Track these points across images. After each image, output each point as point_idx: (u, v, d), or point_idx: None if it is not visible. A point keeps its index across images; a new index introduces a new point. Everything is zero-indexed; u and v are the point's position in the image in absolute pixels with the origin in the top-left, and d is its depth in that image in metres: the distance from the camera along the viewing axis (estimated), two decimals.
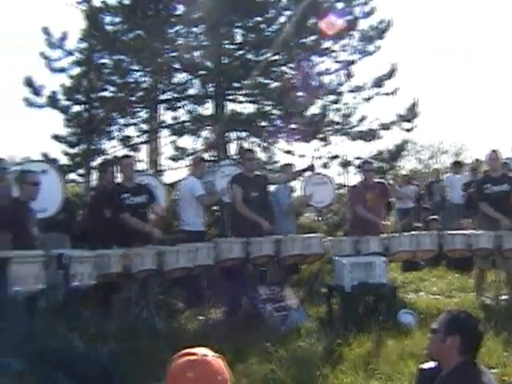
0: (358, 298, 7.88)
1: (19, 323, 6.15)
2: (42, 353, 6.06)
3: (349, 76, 15.58)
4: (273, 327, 7.72)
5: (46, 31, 15.51)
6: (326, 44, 15.68)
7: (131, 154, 11.05)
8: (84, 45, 16.34)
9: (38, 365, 5.69)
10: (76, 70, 16.42)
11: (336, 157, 15.69)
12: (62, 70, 16.14)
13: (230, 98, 16.28)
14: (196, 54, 15.92)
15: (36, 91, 15.29)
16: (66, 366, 5.65)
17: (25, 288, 5.42)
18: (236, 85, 15.99)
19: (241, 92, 16.26)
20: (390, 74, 15.46)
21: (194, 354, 2.38)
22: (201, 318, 8.52)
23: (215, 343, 2.36)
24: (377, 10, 15.56)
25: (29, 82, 15.23)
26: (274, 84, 16.06)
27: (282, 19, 15.21)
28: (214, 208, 11.57)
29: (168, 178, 15.14)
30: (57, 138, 15.75)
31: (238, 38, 16.00)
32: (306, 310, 8.34)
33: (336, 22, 14.67)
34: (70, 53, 16.10)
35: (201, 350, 2.40)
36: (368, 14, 15.64)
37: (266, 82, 16.03)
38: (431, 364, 3.61)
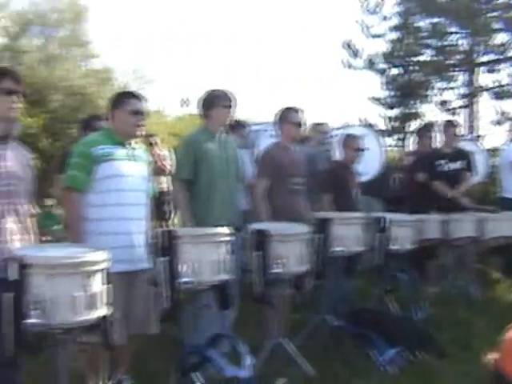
0: None
1: (337, 282, 6.34)
2: (356, 312, 6.21)
3: None
4: None
5: None
6: None
7: (451, 118, 10.75)
8: (400, 9, 16.34)
9: (352, 323, 5.82)
10: (393, 35, 16.51)
11: None
12: (379, 36, 16.32)
13: None
14: None
15: (354, 53, 15.67)
16: (379, 326, 5.72)
17: (345, 249, 5.55)
18: None
19: None
20: None
21: None
22: None
23: None
24: None
25: (348, 45, 15.65)
26: None
27: None
28: None
29: (488, 143, 14.62)
30: (375, 100, 16.01)
31: None
32: None
33: None
34: (386, 18, 16.21)
35: None
36: None
37: None
38: None
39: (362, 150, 6.99)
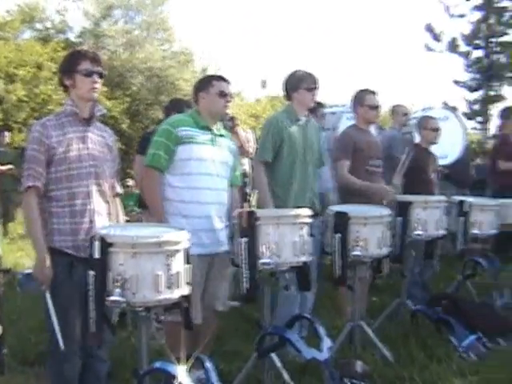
0: None
1: (417, 267, 6.27)
2: (436, 297, 6.11)
3: None
4: None
5: None
6: None
7: None
8: None
9: (431, 308, 5.74)
10: (475, 15, 16.17)
11: None
12: (462, 16, 15.99)
13: None
14: None
15: (435, 37, 15.40)
16: (460, 312, 5.63)
17: (425, 233, 5.46)
18: None
19: None
20: None
21: None
22: None
23: None
24: None
25: (429, 28, 15.40)
26: None
27: None
28: None
29: None
30: (457, 83, 15.73)
31: None
32: None
33: None
34: None
35: None
36: None
37: None
38: None
39: (439, 130, 6.82)
